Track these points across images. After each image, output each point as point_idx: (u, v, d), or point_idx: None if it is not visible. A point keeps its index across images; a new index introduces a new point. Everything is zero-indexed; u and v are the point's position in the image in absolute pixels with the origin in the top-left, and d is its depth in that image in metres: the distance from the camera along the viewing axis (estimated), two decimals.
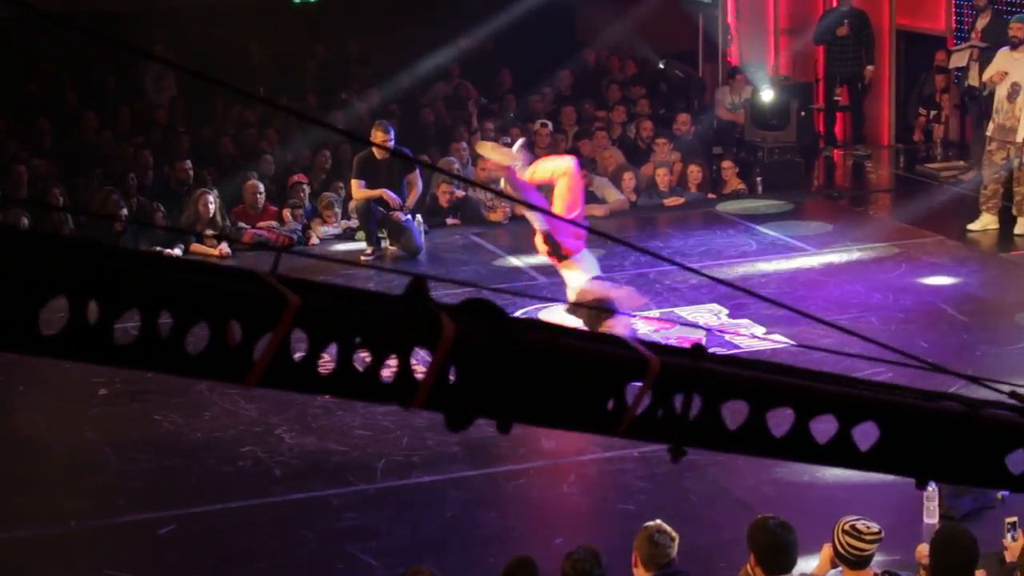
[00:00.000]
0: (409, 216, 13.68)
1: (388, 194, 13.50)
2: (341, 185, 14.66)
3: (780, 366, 2.53)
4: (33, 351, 1.92)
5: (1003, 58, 13.62)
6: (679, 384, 2.36)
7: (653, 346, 2.36)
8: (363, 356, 2.13)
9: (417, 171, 13.72)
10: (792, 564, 5.65)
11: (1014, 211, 13.58)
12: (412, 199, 13.70)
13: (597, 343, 2.35)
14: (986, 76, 13.94)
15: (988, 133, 13.76)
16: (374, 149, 13.38)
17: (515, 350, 2.21)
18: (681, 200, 15.03)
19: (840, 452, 2.56)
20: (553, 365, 2.26)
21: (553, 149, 15.68)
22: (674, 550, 5.69)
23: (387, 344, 2.12)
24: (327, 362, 2.09)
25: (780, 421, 2.48)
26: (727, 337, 10.80)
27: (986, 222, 13.71)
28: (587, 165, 15.31)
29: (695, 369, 2.38)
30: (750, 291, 3.05)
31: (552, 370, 2.26)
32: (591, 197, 14.74)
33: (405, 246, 13.65)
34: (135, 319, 2.01)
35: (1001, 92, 13.49)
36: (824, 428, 2.52)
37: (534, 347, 2.23)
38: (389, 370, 2.14)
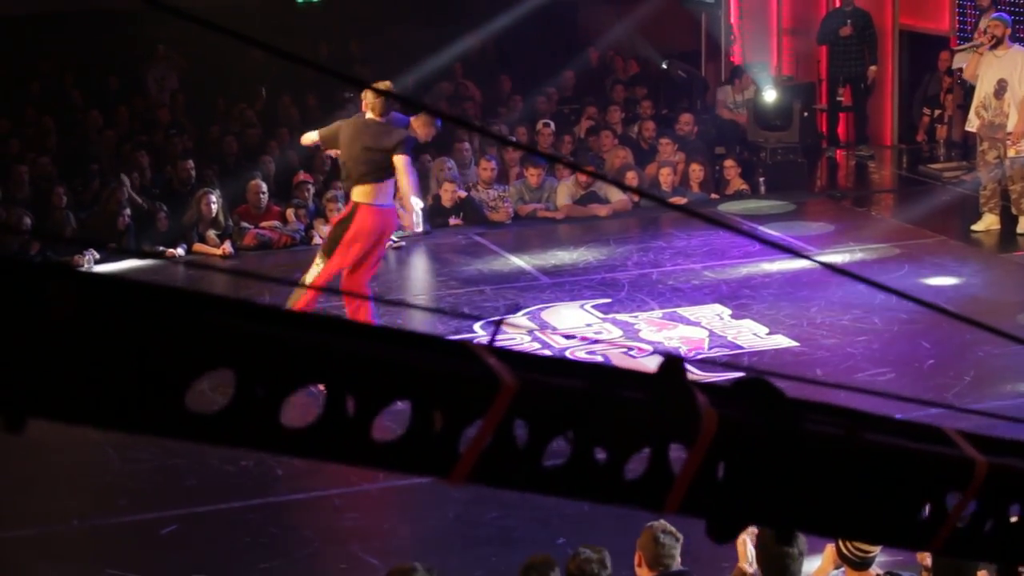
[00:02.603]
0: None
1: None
2: (340, 184, 14.66)
3: None
4: (182, 433, 1.64)
5: (985, 57, 13.61)
6: (1015, 491, 1.95)
7: (980, 441, 1.96)
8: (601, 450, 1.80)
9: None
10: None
11: (1013, 210, 13.59)
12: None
13: (908, 438, 1.93)
14: (966, 73, 13.95)
15: (973, 130, 13.79)
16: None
17: (800, 445, 1.83)
18: (684, 200, 15.02)
19: None
20: (850, 463, 1.87)
21: (556, 149, 15.70)
22: (678, 550, 5.69)
23: (631, 439, 1.77)
24: (556, 454, 1.78)
25: None
26: (730, 338, 10.80)
27: (989, 222, 13.71)
28: (594, 163, 15.33)
29: None
30: (930, 303, 2.50)
31: (848, 469, 1.87)
32: (595, 197, 14.76)
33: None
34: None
35: (987, 89, 13.49)
36: None
37: (825, 441, 1.85)
38: (635, 467, 1.80)
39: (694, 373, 9.99)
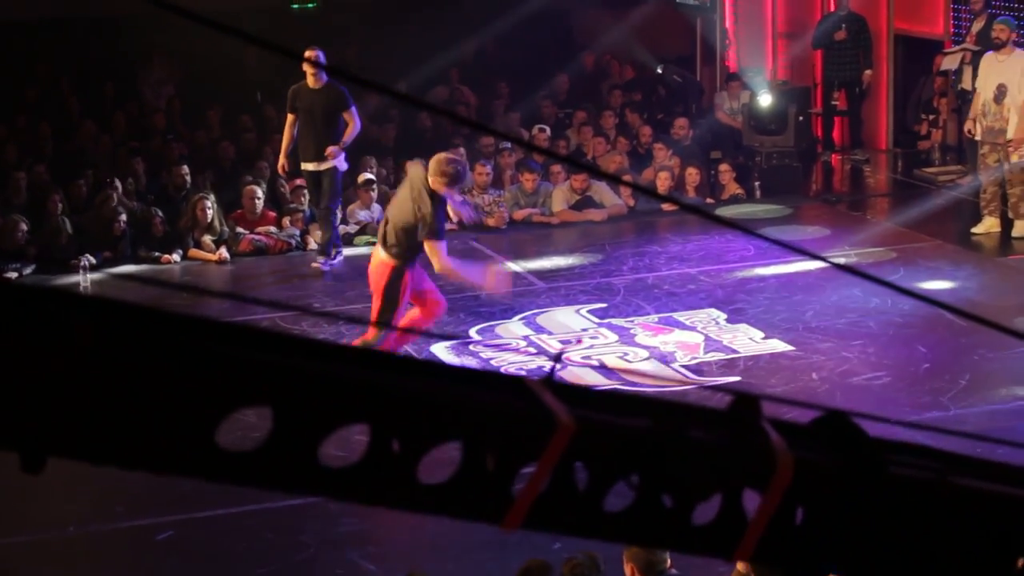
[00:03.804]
0: (335, 203, 13.24)
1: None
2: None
3: None
4: (213, 474, 1.53)
5: (988, 61, 13.65)
6: None
7: None
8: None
9: (354, 108, 12.92)
10: None
11: (1010, 214, 13.61)
12: (348, 136, 12.94)
13: (1003, 482, 1.78)
14: (978, 84, 13.92)
15: (978, 137, 13.79)
16: (308, 77, 12.94)
17: (885, 490, 1.69)
18: (675, 207, 15.04)
19: None
20: (939, 509, 1.73)
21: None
22: (668, 552, 5.66)
23: (700, 484, 1.64)
24: (616, 499, 1.66)
25: None
26: (725, 342, 10.80)
27: (989, 225, 13.73)
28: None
29: None
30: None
31: (938, 516, 1.73)
32: (590, 202, 14.77)
33: (318, 238, 13.44)
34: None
35: (987, 95, 13.53)
36: None
37: (911, 485, 1.71)
38: (704, 511, 1.69)
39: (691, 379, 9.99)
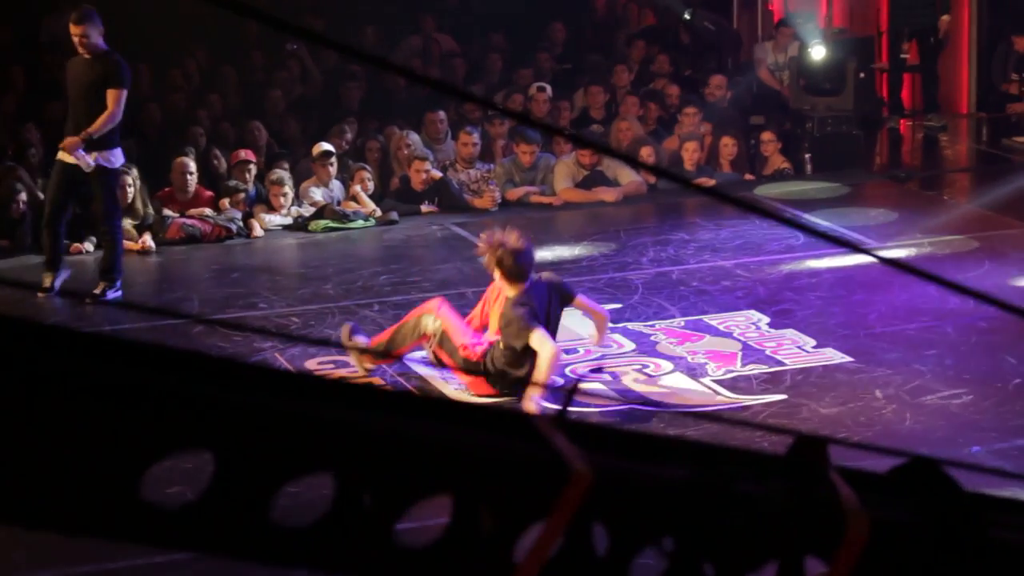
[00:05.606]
0: (115, 220, 12.37)
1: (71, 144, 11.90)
2: (287, 165, 14.65)
3: None
4: (136, 536, 1.54)
5: None
6: None
7: None
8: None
9: (124, 90, 11.87)
10: None
11: None
12: (98, 125, 11.84)
13: None
14: None
15: None
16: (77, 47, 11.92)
17: (982, 557, 1.64)
18: (712, 182, 15.05)
19: None
20: None
21: (554, 117, 15.70)
22: None
23: (752, 550, 1.58)
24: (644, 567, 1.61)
25: None
26: (768, 352, 10.82)
27: None
28: (602, 137, 15.34)
29: None
30: None
31: None
32: (601, 179, 14.77)
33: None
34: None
35: None
36: None
37: (1017, 553, 1.66)
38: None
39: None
